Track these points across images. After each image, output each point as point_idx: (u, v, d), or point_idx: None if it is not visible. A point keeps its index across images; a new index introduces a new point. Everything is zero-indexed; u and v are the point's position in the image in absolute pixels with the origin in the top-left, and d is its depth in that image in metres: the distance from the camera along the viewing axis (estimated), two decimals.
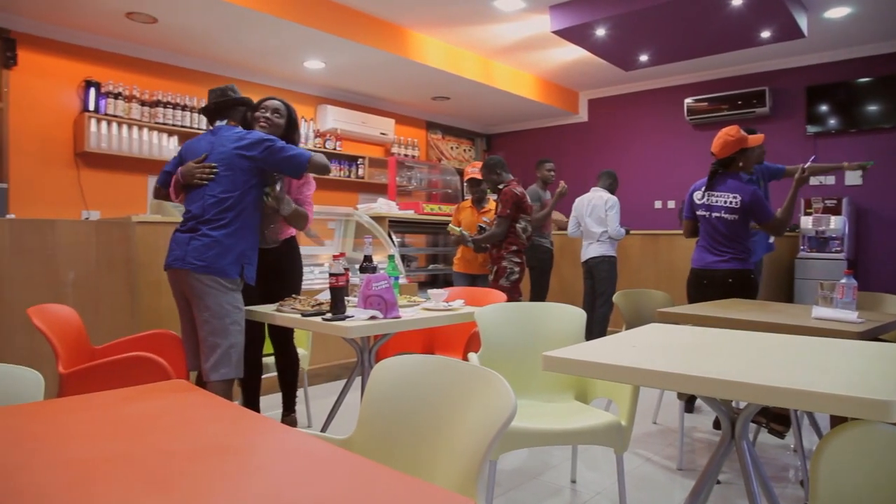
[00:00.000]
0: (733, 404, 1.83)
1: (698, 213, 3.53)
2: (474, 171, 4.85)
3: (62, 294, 3.32)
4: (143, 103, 5.77)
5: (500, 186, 4.55)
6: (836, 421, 2.39)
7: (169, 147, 5.92)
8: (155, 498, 0.87)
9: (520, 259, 4.48)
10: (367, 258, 2.81)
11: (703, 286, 3.45)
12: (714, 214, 3.44)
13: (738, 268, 3.41)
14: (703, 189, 3.51)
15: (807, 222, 6.19)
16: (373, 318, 2.41)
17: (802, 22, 5.48)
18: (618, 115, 8.35)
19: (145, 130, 5.75)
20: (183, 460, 1.02)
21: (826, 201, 6.19)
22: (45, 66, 5.34)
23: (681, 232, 3.92)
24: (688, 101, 7.53)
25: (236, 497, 0.87)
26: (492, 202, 4.91)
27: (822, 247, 6.12)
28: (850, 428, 1.28)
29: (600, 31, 5.60)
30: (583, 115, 8.68)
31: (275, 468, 0.98)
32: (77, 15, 5.10)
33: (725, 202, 3.41)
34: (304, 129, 7.13)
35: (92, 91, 5.45)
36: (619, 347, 1.78)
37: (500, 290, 3.48)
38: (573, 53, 6.67)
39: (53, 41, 5.36)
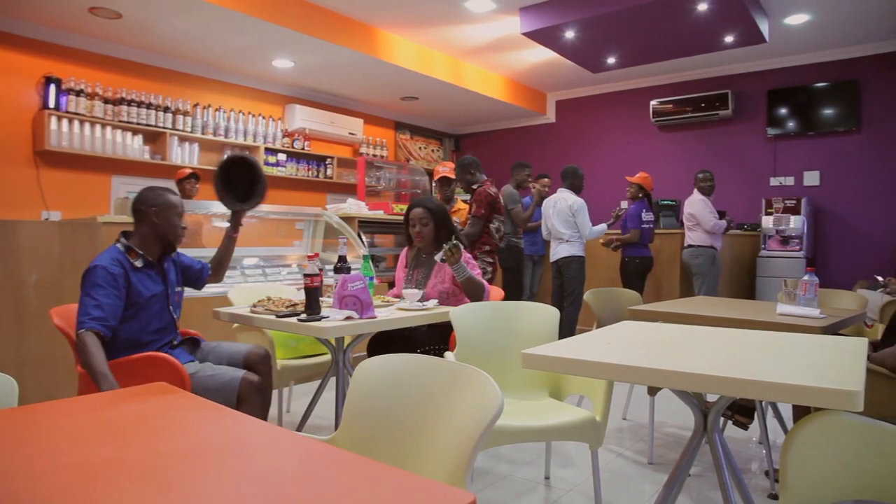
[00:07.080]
0: (705, 398, 1.88)
1: (644, 225, 5.62)
2: (445, 170, 4.82)
3: (24, 296, 3.23)
4: (106, 101, 5.64)
5: (475, 186, 4.57)
6: (800, 412, 2.48)
7: (133, 146, 5.80)
8: (153, 500, 0.86)
9: (492, 259, 4.51)
10: (342, 258, 2.81)
11: (648, 267, 5.69)
12: (652, 225, 5.73)
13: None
14: (646, 210, 5.66)
15: (767, 222, 6.35)
16: (348, 318, 2.41)
17: (764, 27, 5.63)
18: (585, 117, 8.46)
19: (109, 129, 5.62)
20: (177, 462, 1.01)
21: (786, 201, 6.37)
22: (1, 62, 5.18)
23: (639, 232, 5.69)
24: (653, 103, 7.66)
25: (237, 497, 0.87)
26: (459, 202, 4.92)
27: (783, 245, 6.30)
28: (816, 418, 1.33)
29: (569, 34, 5.67)
30: (550, 116, 8.77)
31: (272, 467, 0.98)
32: (37, 9, 4.96)
33: (653, 217, 5.79)
34: (272, 128, 7.06)
35: (52, 88, 5.31)
36: (595, 345, 1.82)
37: None
38: (542, 55, 6.74)
39: (11, 35, 5.21)
